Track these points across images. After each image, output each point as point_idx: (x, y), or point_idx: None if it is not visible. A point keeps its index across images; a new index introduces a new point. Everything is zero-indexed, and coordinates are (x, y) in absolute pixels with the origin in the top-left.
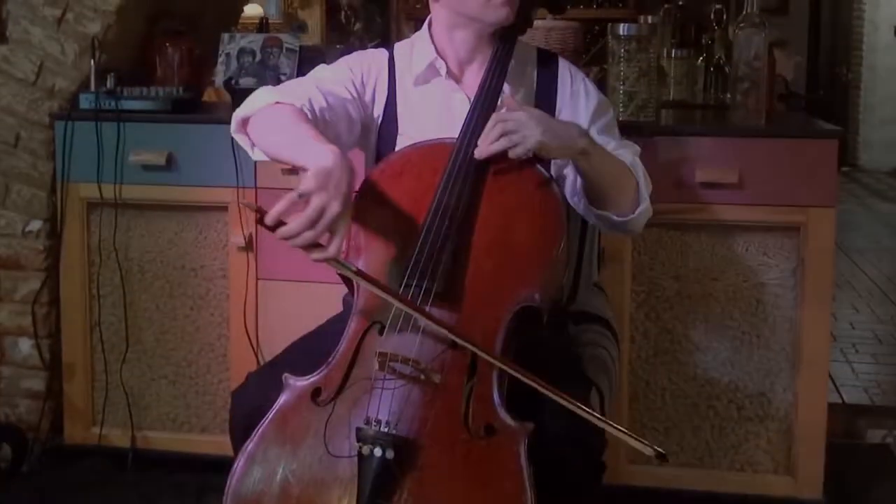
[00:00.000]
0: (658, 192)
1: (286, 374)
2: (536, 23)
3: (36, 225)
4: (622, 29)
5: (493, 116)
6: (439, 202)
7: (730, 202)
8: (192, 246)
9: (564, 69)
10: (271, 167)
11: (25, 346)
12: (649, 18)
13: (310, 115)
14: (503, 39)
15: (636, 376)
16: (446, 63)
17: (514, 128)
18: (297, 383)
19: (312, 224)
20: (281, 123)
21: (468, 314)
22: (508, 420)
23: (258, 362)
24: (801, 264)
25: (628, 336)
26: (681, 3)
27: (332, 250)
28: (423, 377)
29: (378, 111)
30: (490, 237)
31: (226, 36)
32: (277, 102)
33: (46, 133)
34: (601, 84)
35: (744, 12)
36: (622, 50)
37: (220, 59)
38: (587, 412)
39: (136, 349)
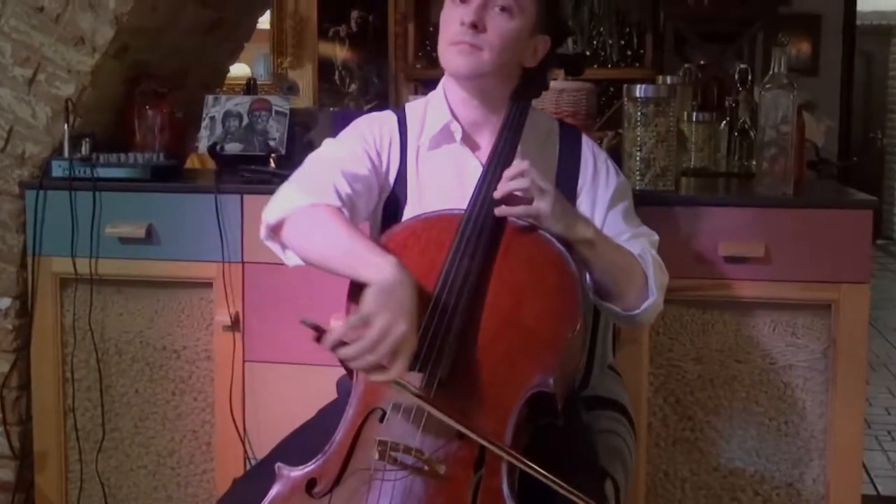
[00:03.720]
0: (678, 267)
1: (279, 464)
2: None
3: (5, 303)
4: (639, 90)
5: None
6: (445, 280)
7: (755, 278)
8: (173, 325)
9: (587, 148)
10: (258, 239)
11: None
12: (668, 79)
13: (346, 213)
14: (514, 102)
15: (654, 466)
16: (462, 127)
17: (539, 181)
18: (292, 473)
19: (375, 347)
20: (323, 230)
21: (476, 401)
22: None
23: (245, 451)
24: (832, 345)
25: (646, 422)
26: (702, 62)
27: (393, 373)
28: (426, 468)
29: (392, 178)
30: (500, 317)
31: (210, 98)
32: (313, 204)
33: (16, 203)
34: (616, 150)
35: (770, 73)
36: (639, 113)
37: (204, 123)
38: None
39: (112, 437)
